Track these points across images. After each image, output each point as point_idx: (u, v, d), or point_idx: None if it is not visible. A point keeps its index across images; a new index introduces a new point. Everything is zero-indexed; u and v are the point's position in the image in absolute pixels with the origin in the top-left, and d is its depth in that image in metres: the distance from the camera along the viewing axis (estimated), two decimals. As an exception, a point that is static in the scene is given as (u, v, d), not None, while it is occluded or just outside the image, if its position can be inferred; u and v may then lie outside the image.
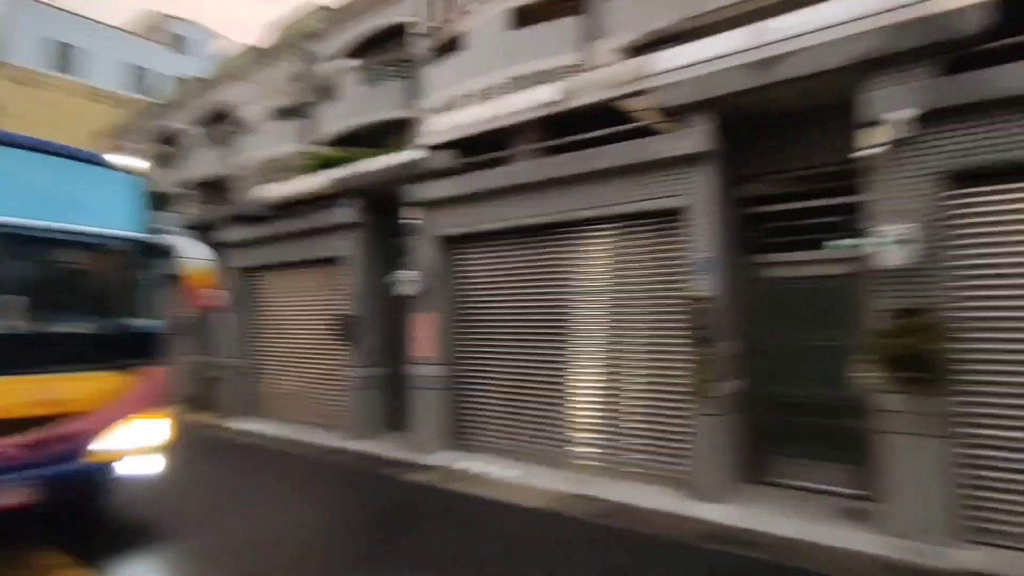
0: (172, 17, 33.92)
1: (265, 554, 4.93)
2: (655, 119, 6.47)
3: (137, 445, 5.16)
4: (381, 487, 6.91)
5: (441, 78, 14.17)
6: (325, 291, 10.32)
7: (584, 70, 9.20)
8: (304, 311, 10.81)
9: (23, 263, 4.90)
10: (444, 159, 8.40)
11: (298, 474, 7.76)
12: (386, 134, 14.88)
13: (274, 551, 4.99)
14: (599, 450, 7.04)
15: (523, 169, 7.56)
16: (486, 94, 12.05)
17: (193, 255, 5.84)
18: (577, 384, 7.27)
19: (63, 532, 5.35)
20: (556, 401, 7.41)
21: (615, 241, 7.04)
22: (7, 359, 4.53)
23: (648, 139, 6.50)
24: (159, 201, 5.85)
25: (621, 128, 7.09)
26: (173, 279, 5.79)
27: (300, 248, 10.52)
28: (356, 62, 17.08)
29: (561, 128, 7.72)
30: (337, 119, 16.86)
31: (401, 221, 8.80)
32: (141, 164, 5.68)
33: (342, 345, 9.60)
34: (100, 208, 5.28)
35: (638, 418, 6.76)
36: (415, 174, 8.49)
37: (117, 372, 5.05)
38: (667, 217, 6.47)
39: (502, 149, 8.26)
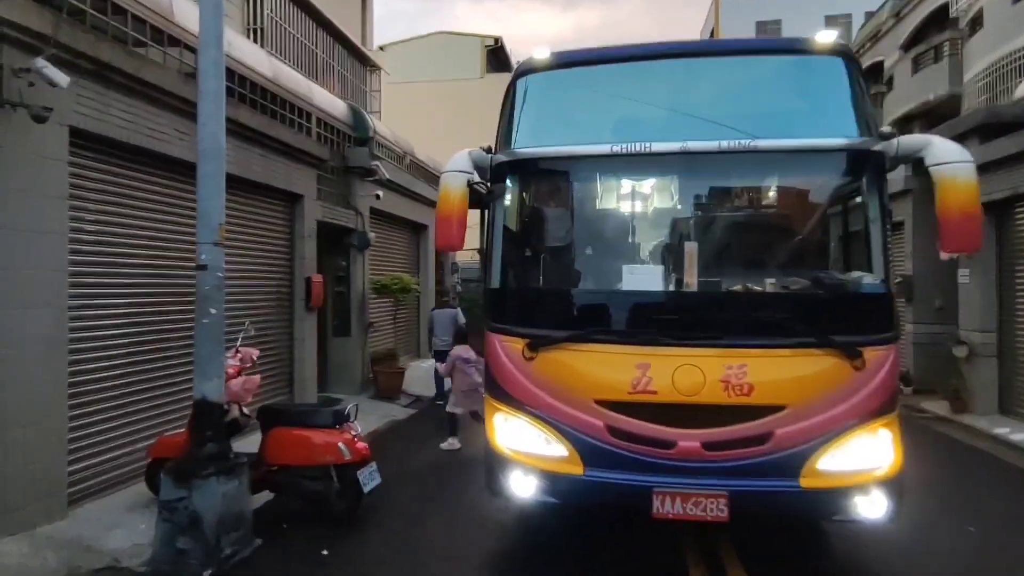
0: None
1: None
2: None
3: (859, 469, 3.35)
4: None
5: None
6: None
7: None
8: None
9: (694, 199, 3.83)
10: None
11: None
12: None
13: None
14: None
15: None
16: None
17: (947, 160, 3.35)
18: None
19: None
20: None
21: None
22: (678, 325, 3.40)
23: None
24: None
25: None
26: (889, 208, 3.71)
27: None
28: None
29: None
30: None
31: None
32: (836, 39, 3.67)
33: None
34: (795, 113, 3.75)
35: None
36: None
37: (831, 352, 3.32)
38: None
39: None
